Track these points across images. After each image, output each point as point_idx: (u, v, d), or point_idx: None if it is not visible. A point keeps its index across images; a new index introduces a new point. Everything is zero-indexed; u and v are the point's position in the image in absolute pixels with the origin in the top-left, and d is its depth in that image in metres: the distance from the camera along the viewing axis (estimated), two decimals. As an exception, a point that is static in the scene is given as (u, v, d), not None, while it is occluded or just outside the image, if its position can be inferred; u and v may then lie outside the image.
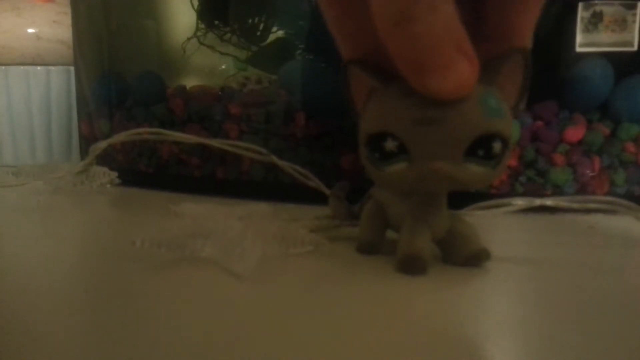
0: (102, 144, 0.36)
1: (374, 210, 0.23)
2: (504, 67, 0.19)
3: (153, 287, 0.19)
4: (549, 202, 0.28)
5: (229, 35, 0.41)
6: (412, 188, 0.20)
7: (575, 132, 0.33)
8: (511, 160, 0.32)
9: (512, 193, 0.32)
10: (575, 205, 0.27)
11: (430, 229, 0.20)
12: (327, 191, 0.31)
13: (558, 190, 0.33)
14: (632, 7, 0.32)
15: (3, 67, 0.49)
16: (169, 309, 0.17)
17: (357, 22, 0.19)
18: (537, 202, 0.28)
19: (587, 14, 0.32)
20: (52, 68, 0.50)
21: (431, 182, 0.18)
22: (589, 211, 0.29)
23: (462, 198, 0.30)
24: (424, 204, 0.21)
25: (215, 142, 0.34)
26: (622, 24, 0.31)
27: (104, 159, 0.40)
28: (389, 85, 0.19)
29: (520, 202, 0.29)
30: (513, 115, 0.19)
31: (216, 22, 0.41)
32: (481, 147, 0.18)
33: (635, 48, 0.32)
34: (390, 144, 0.18)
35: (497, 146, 0.18)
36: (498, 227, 0.29)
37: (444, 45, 0.16)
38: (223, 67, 0.42)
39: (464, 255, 0.21)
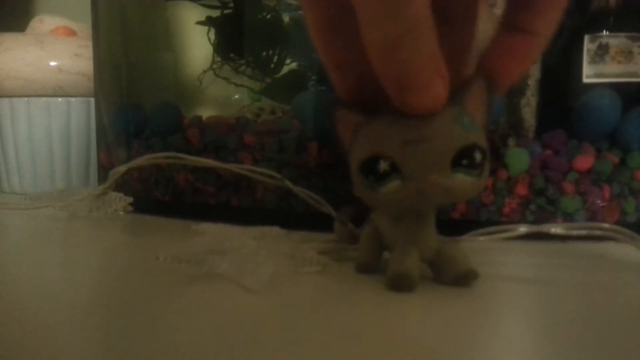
0: (122, 168, 0.37)
1: (371, 234, 0.25)
2: (470, 91, 0.21)
3: (173, 301, 0.20)
4: (550, 228, 0.28)
5: (243, 67, 0.43)
6: (407, 204, 0.21)
7: (584, 161, 0.33)
8: (521, 189, 0.33)
9: (523, 221, 0.33)
10: (574, 233, 0.28)
11: (418, 249, 0.22)
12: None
13: (568, 219, 0.33)
14: (638, 39, 0.32)
15: (25, 99, 0.51)
16: (187, 320, 0.18)
17: (345, 53, 0.22)
18: (535, 228, 0.28)
19: (593, 46, 0.33)
20: (72, 99, 0.51)
21: (426, 195, 0.20)
22: (600, 239, 0.29)
23: (469, 225, 0.30)
24: (413, 226, 0.23)
25: (231, 167, 0.35)
26: (628, 55, 0.32)
27: (121, 187, 0.41)
28: (372, 119, 0.21)
29: (522, 228, 0.29)
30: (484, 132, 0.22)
31: (231, 55, 0.43)
32: (464, 157, 0.20)
33: (642, 78, 0.33)
34: (383, 165, 0.20)
35: (478, 156, 0.20)
36: (506, 251, 0.30)
37: (425, 68, 0.19)
38: (236, 97, 0.44)
39: (453, 276, 0.23)
